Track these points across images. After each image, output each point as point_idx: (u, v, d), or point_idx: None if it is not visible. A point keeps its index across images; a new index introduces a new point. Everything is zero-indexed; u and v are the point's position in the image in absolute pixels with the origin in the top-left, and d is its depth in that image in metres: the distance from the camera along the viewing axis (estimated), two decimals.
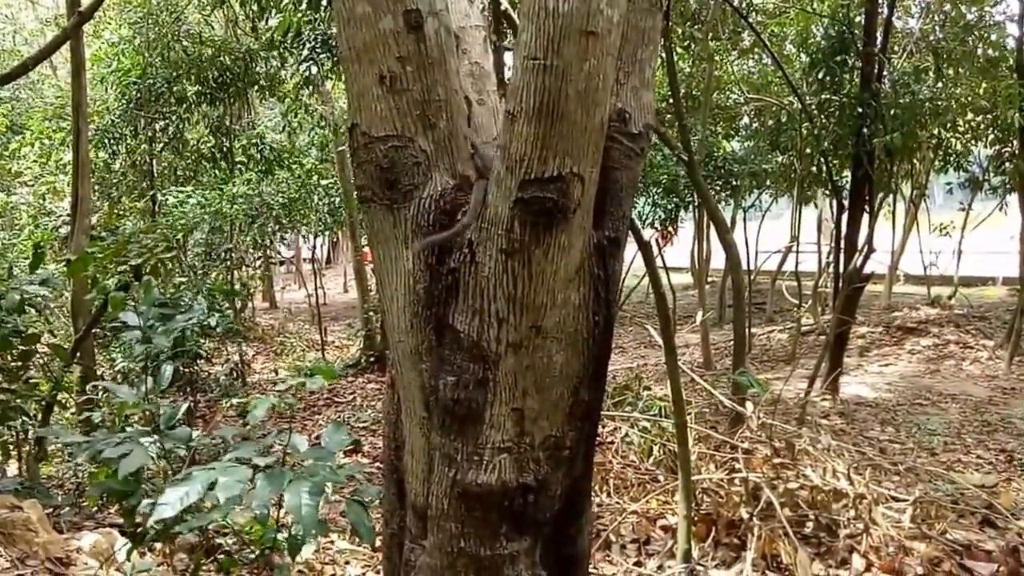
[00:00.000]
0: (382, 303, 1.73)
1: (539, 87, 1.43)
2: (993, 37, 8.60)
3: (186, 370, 5.51)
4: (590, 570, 3.77)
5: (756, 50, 10.50)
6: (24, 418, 3.56)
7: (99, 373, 5.72)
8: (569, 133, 1.47)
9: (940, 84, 8.49)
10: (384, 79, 1.60)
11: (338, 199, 11.38)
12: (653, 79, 1.80)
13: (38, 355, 4.15)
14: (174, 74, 9.35)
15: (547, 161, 1.47)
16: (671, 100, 6.19)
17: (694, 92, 10.41)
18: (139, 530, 1.97)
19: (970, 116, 9.51)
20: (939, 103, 8.10)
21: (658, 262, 11.15)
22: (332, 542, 3.86)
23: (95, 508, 3.69)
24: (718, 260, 13.15)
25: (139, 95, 9.51)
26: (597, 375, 1.69)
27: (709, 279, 13.45)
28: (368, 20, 1.59)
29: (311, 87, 8.89)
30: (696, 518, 3.84)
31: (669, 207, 10.96)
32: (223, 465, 1.59)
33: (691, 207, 11.17)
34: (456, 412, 1.60)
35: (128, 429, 2.10)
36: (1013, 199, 10.46)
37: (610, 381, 7.74)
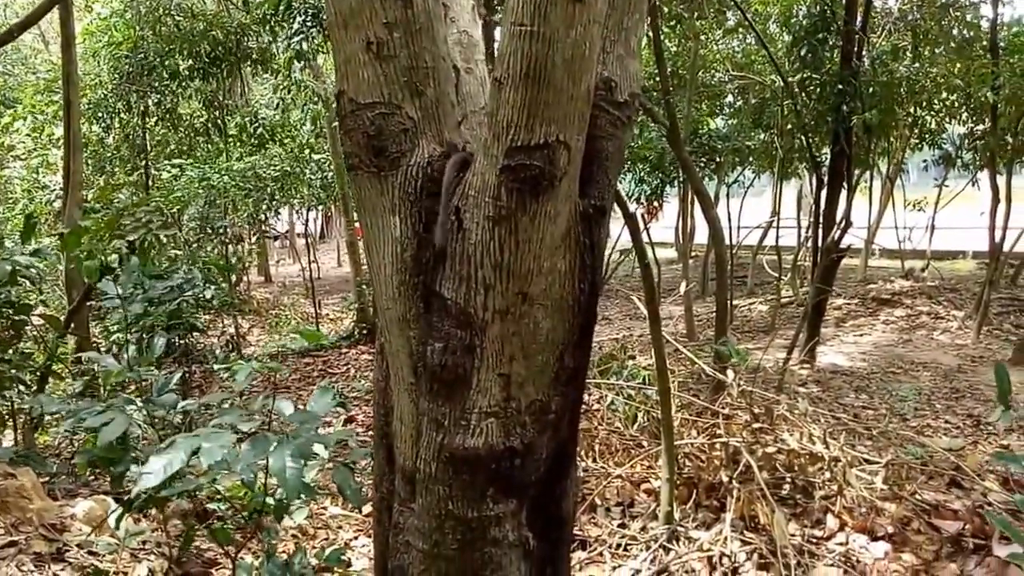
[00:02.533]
0: (370, 270, 1.69)
1: (526, 53, 1.39)
2: (968, 18, 8.53)
3: (182, 342, 5.43)
4: (576, 532, 3.80)
5: (741, 29, 10.38)
6: (20, 388, 3.49)
7: (96, 345, 5.63)
8: (555, 100, 1.42)
9: (917, 64, 8.43)
10: (371, 45, 1.54)
11: (331, 173, 11.24)
12: (639, 49, 1.75)
13: (33, 327, 4.06)
14: (166, 48, 9.07)
15: (533, 128, 1.43)
16: (658, 77, 6.11)
17: (680, 71, 10.31)
18: (127, 497, 1.93)
19: (945, 95, 9.47)
20: (916, 81, 8.06)
21: (644, 236, 11.15)
22: (325, 508, 3.85)
23: (92, 476, 3.65)
24: (702, 235, 13.13)
25: (131, 69, 9.23)
26: (582, 341, 1.66)
27: (693, 253, 13.46)
28: None
29: (303, 62, 8.70)
30: (678, 482, 3.85)
31: (655, 183, 10.90)
32: (207, 432, 1.55)
33: (676, 183, 11.11)
34: (443, 378, 1.57)
35: (113, 399, 2.05)
36: (984, 176, 10.48)
37: (597, 351, 7.75)
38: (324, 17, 7.22)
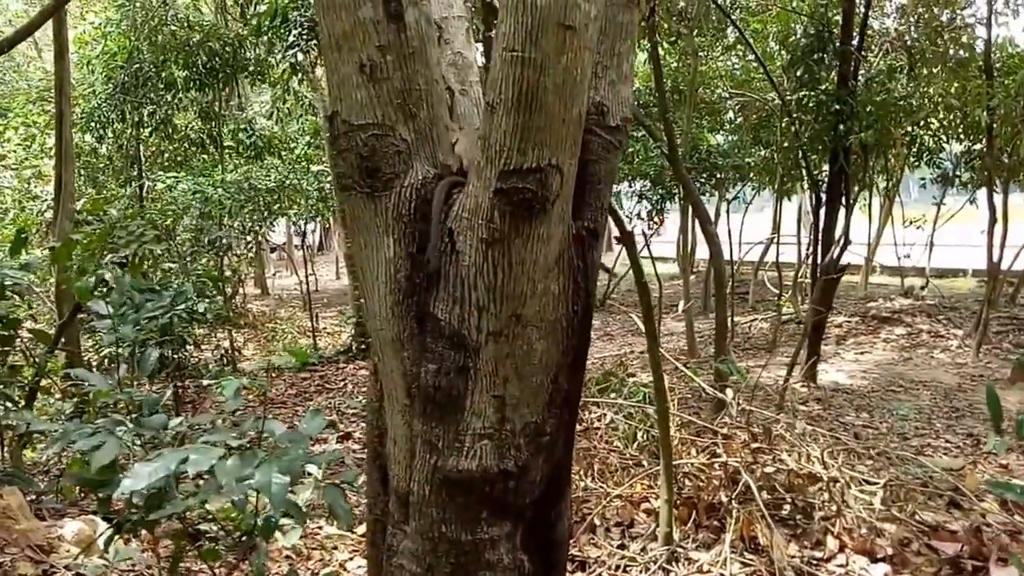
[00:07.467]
0: (362, 291, 1.69)
1: (518, 79, 1.41)
2: (964, 39, 8.60)
3: (175, 356, 5.33)
4: (575, 553, 3.78)
5: (739, 47, 10.47)
6: (7, 404, 3.43)
7: (88, 362, 5.54)
8: (548, 125, 1.44)
9: (913, 84, 8.50)
10: (364, 68, 1.56)
11: (328, 185, 11.21)
12: (631, 74, 1.78)
13: (22, 340, 3.99)
14: (162, 59, 9.00)
15: (526, 152, 1.44)
16: (658, 94, 6.15)
17: (681, 87, 10.38)
18: (115, 520, 1.91)
19: (942, 114, 9.53)
20: (912, 101, 8.12)
21: (644, 253, 11.15)
22: (321, 528, 3.81)
23: (81, 495, 3.60)
24: (704, 251, 13.13)
25: (126, 79, 9.16)
26: (576, 362, 1.66)
27: (696, 269, 13.46)
28: (348, 8, 1.55)
29: (300, 74, 8.68)
30: (678, 502, 3.83)
31: (655, 198, 10.93)
32: (195, 447, 1.55)
33: (676, 198, 11.16)
34: (437, 399, 1.57)
35: (102, 420, 2.03)
36: (982, 194, 10.52)
37: (597, 368, 7.73)
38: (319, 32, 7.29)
